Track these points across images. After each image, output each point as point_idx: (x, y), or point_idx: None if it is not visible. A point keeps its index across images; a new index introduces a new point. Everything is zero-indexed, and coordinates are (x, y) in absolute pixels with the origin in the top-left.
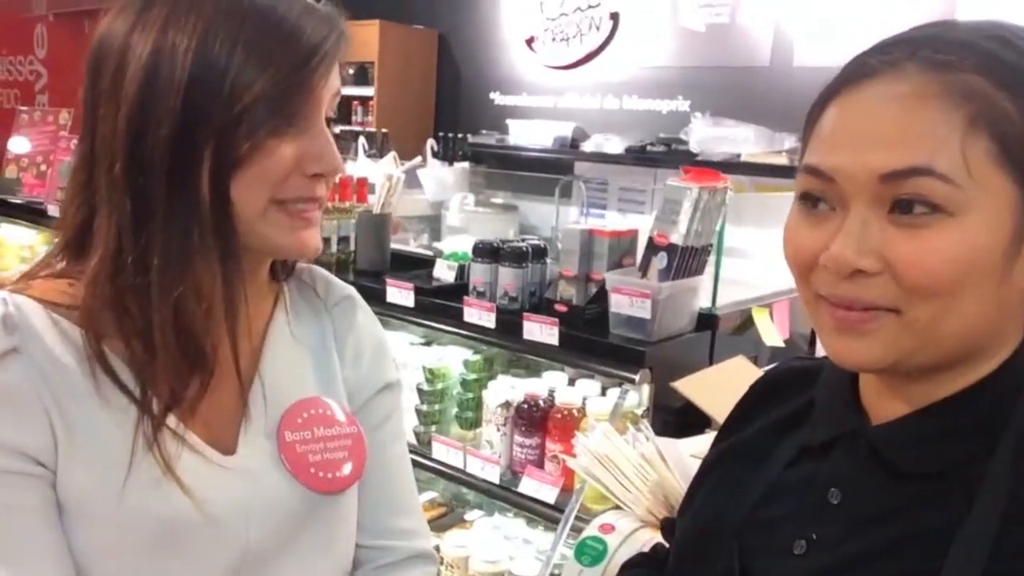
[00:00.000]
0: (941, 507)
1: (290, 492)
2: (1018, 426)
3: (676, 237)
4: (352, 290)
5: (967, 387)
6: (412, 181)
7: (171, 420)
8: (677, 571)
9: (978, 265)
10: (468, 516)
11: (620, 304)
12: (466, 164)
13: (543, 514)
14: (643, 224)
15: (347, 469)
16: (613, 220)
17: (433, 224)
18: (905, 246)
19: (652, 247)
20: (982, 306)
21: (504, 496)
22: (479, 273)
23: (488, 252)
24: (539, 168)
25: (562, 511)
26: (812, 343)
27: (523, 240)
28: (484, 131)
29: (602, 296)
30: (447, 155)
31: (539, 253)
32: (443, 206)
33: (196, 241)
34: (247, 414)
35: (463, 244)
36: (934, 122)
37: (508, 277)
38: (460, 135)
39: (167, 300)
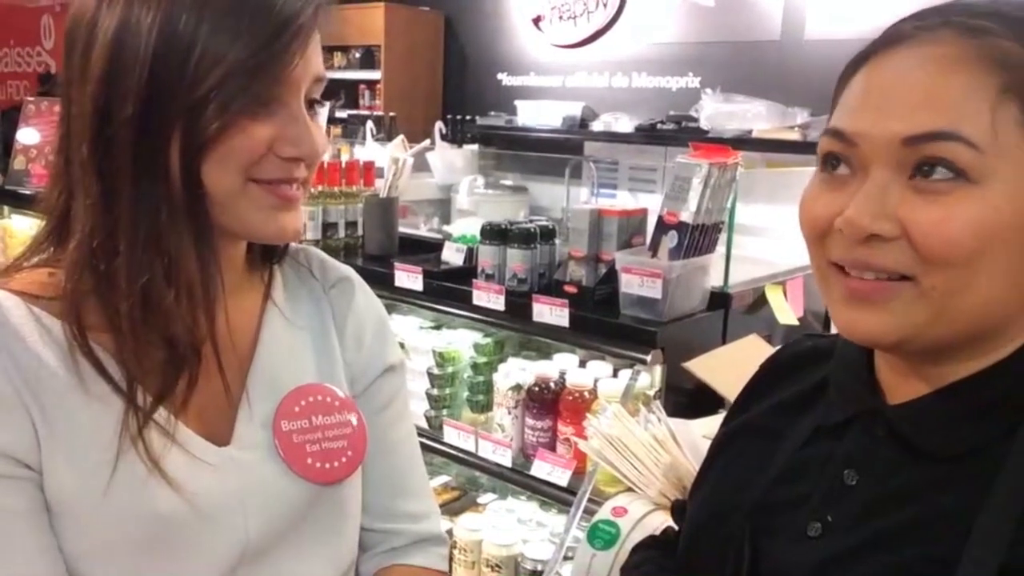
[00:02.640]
0: (961, 490)
1: (287, 483)
2: None
3: (686, 215)
4: (349, 270)
5: (988, 367)
6: (421, 164)
7: (160, 414)
8: (688, 552)
9: (998, 236)
10: (481, 499)
11: (630, 284)
12: (475, 146)
13: (556, 497)
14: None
15: (346, 459)
16: (624, 200)
17: (443, 207)
18: (924, 212)
19: (662, 226)
20: (1000, 282)
21: (516, 479)
22: (487, 255)
23: (496, 234)
24: (548, 149)
25: (575, 494)
26: (827, 322)
27: (531, 221)
28: (492, 113)
29: (612, 276)
30: (455, 138)
31: (547, 234)
32: (452, 189)
33: (166, 223)
34: (242, 403)
35: (472, 227)
36: (965, 87)
37: (517, 259)
38: (468, 117)
39: (134, 285)
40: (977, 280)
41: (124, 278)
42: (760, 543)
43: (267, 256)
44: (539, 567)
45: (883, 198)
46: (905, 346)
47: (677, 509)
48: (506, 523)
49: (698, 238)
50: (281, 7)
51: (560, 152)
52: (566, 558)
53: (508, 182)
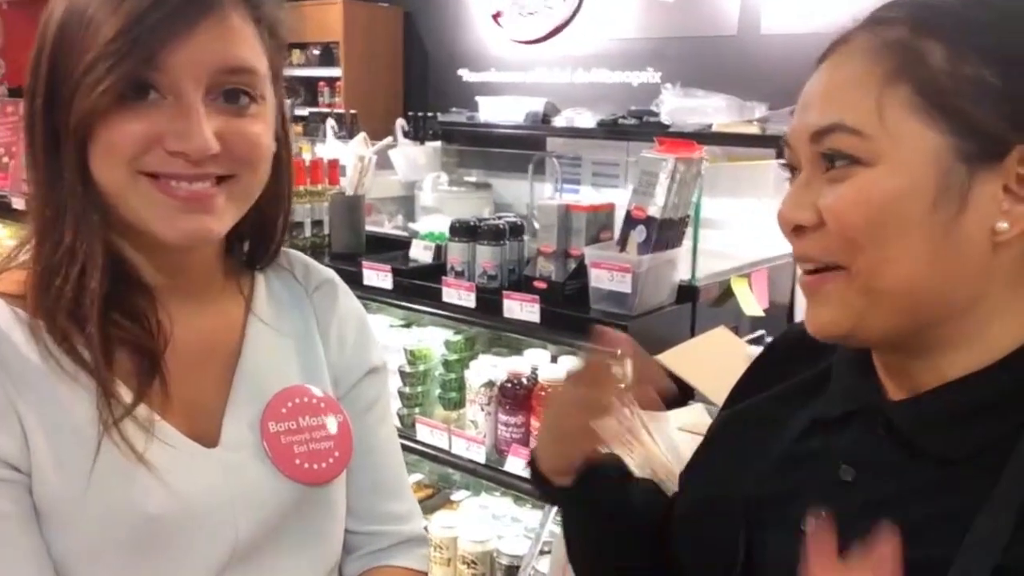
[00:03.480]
0: (961, 494)
1: (275, 484)
2: None
3: (654, 209)
4: (333, 273)
5: (987, 366)
6: (383, 162)
7: (141, 412)
8: (683, 537)
9: (892, 216)
10: (455, 497)
11: (600, 279)
12: (437, 143)
13: (530, 492)
14: (618, 198)
15: (333, 459)
16: (588, 195)
17: (407, 205)
18: (828, 196)
19: (630, 220)
20: (917, 263)
21: (490, 476)
22: (456, 252)
23: (465, 231)
24: (511, 145)
25: None
26: (791, 314)
27: (499, 217)
28: (454, 109)
29: (581, 271)
30: (418, 135)
31: (516, 230)
32: (416, 186)
33: (72, 219)
34: (229, 405)
35: (439, 224)
36: (852, 78)
37: (486, 255)
38: (430, 114)
39: (66, 283)
40: (892, 258)
41: (61, 275)
42: (755, 535)
43: (251, 261)
44: (515, 562)
45: (806, 191)
46: (860, 337)
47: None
48: (481, 519)
49: (666, 232)
50: None
51: (523, 148)
52: (542, 552)
53: (472, 179)
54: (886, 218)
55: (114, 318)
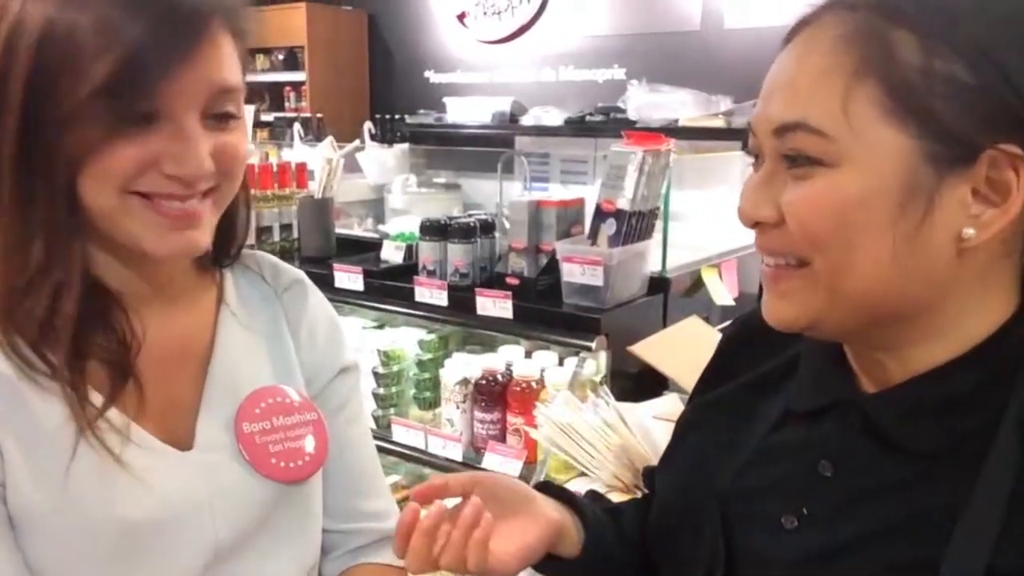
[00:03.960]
0: (940, 489)
1: (252, 484)
2: (1021, 400)
3: (623, 202)
4: (301, 274)
5: (957, 357)
6: (352, 165)
7: (117, 418)
8: (660, 532)
9: (856, 219)
10: None
11: (572, 273)
12: (405, 145)
13: None
14: (587, 194)
15: (309, 457)
16: (557, 192)
17: (376, 208)
18: (790, 196)
19: (600, 214)
20: (879, 266)
21: None
22: (428, 251)
23: (436, 230)
24: (479, 144)
25: (527, 482)
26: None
27: (470, 215)
28: (421, 111)
29: (553, 266)
30: (385, 137)
31: (487, 228)
32: (385, 189)
33: (52, 238)
34: (202, 407)
35: (409, 224)
36: (818, 71)
37: (457, 254)
38: (397, 116)
39: (38, 303)
40: (855, 261)
41: (33, 295)
42: (733, 531)
43: (216, 261)
44: None
45: (768, 186)
46: (822, 330)
47: (647, 474)
48: None
49: (635, 225)
50: (159, 9)
51: (491, 147)
52: None
53: (441, 180)
54: (849, 221)
55: (85, 331)
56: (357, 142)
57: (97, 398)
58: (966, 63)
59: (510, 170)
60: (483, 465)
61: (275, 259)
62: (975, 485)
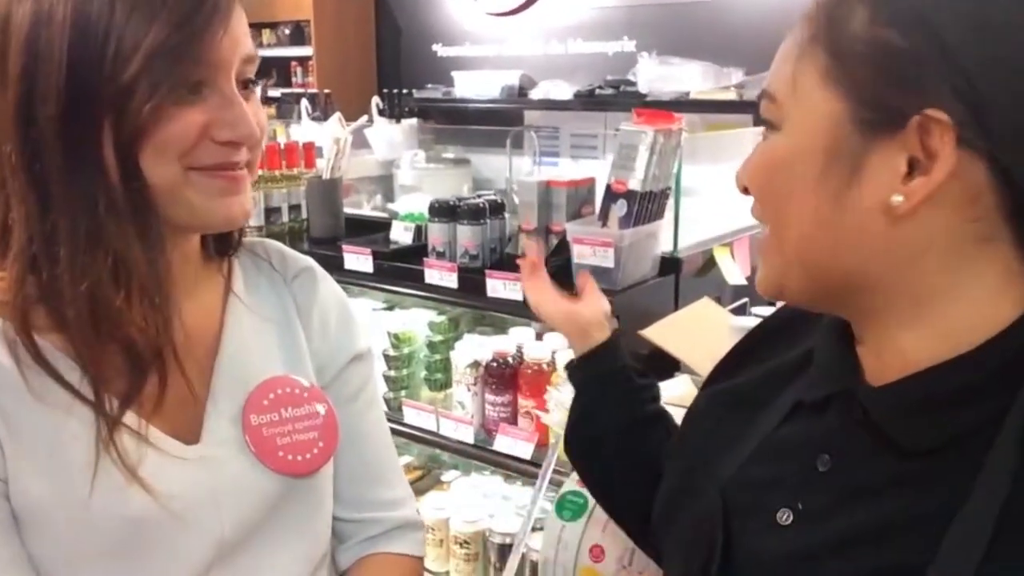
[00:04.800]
0: (934, 491)
1: (259, 478)
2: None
3: (634, 183)
4: (311, 261)
5: (962, 353)
6: (360, 141)
7: (131, 418)
8: (664, 519)
9: (779, 172)
10: (445, 477)
11: (583, 254)
12: (414, 120)
13: (520, 470)
14: (597, 169)
15: (318, 450)
16: (566, 167)
17: (385, 184)
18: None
19: (611, 194)
20: (803, 222)
21: (479, 455)
22: (437, 233)
23: (445, 211)
24: (488, 119)
25: (539, 466)
26: None
27: (479, 196)
28: (429, 85)
29: (563, 247)
30: (393, 112)
31: (496, 208)
32: (394, 165)
33: (107, 222)
34: (209, 400)
35: (418, 204)
36: (788, 43)
37: (467, 235)
38: (405, 91)
39: (78, 291)
40: (786, 220)
41: (68, 284)
42: (733, 525)
43: (222, 249)
44: (508, 540)
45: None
46: (787, 297)
47: None
48: (472, 499)
49: (647, 205)
50: None
51: (500, 122)
52: (534, 529)
53: (449, 155)
54: (777, 179)
55: (106, 330)
56: (365, 118)
57: (112, 402)
58: (904, 31)
59: (519, 145)
60: (495, 448)
61: (283, 247)
62: (969, 490)
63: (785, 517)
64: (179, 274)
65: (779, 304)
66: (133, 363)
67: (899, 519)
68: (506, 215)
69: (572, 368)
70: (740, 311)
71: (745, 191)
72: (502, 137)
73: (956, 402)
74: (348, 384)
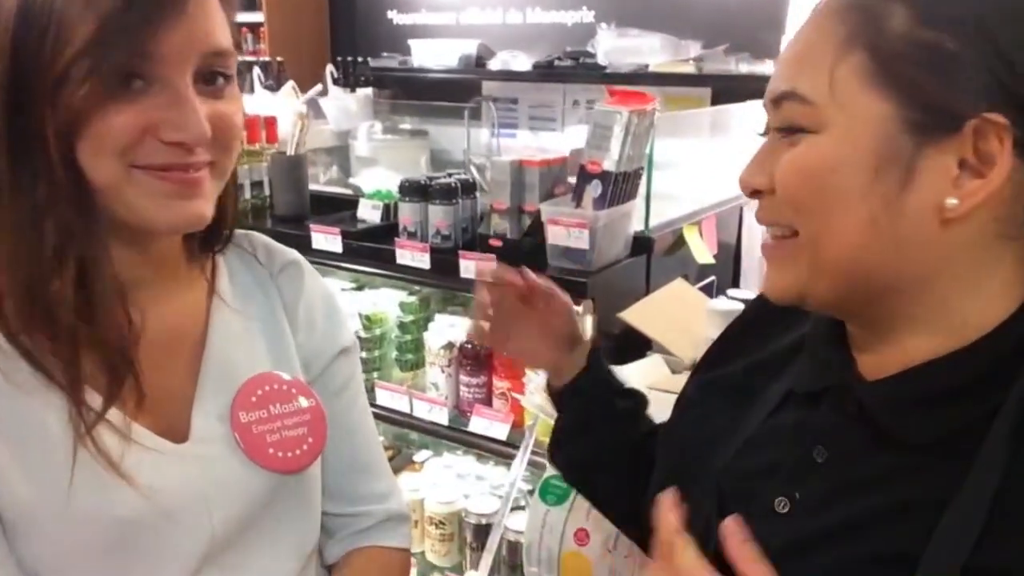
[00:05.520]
0: (929, 483)
1: (249, 476)
2: (1018, 398)
3: (609, 164)
4: (296, 254)
5: (959, 348)
6: (313, 111)
7: (114, 414)
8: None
9: (830, 180)
10: (417, 457)
11: (557, 235)
12: (369, 90)
13: (494, 451)
14: (556, 141)
15: (307, 446)
16: (525, 139)
17: (340, 155)
18: (780, 162)
19: (585, 175)
20: (855, 233)
21: (454, 436)
22: (408, 212)
23: (416, 190)
24: (445, 89)
25: (514, 447)
26: (737, 256)
27: (450, 175)
28: (385, 54)
29: (537, 228)
30: (348, 81)
31: (468, 188)
32: (350, 136)
33: (47, 215)
34: (197, 397)
35: (382, 180)
36: (812, 40)
37: (439, 215)
38: (360, 59)
39: (16, 281)
40: (833, 227)
41: (8, 274)
42: (728, 511)
43: (207, 245)
44: (483, 520)
45: (767, 156)
46: (810, 303)
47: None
48: (446, 480)
49: (621, 185)
50: None
51: (457, 92)
52: (513, 509)
53: (407, 126)
54: (825, 185)
55: (83, 320)
56: (319, 87)
57: (94, 396)
58: (954, 33)
59: (477, 116)
60: (469, 429)
61: (269, 240)
62: (961, 482)
63: (782, 505)
64: (155, 271)
65: (737, 292)
66: (105, 360)
67: (894, 510)
68: (477, 194)
69: (556, 394)
70: (707, 290)
71: (754, 194)
72: (460, 108)
73: (951, 397)
74: (335, 378)
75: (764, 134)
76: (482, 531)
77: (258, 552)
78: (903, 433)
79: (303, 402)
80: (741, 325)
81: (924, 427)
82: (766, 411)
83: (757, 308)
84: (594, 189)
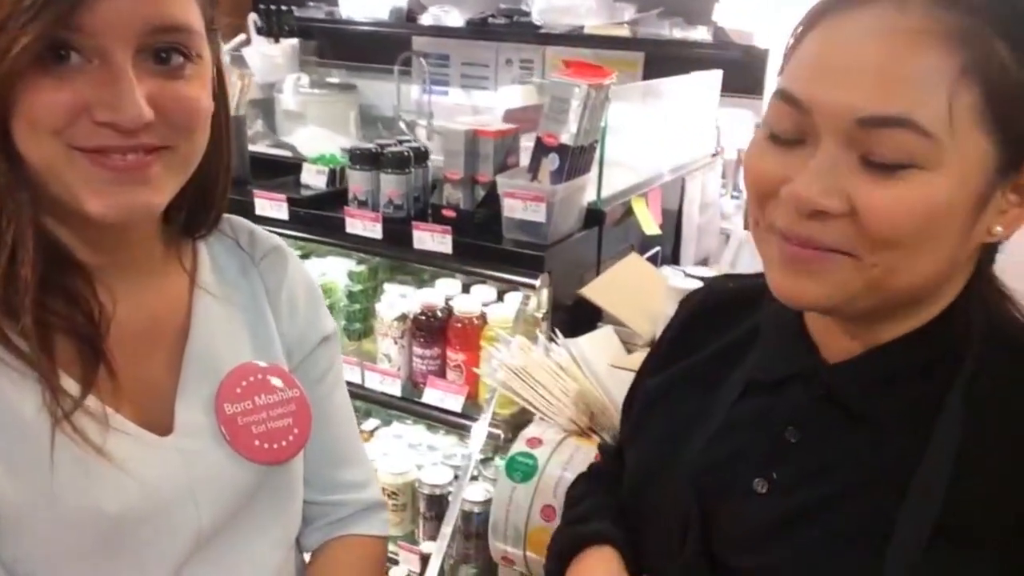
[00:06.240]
0: (898, 453)
1: (236, 468)
2: (969, 370)
3: (566, 137)
4: (279, 240)
5: (917, 328)
6: (236, 62)
7: (93, 405)
8: (636, 505)
9: (939, 222)
10: (366, 426)
11: (513, 208)
12: (294, 41)
13: (449, 422)
14: (489, 100)
15: (292, 437)
16: (457, 97)
17: (265, 108)
18: (874, 193)
19: (542, 147)
20: (937, 262)
21: (408, 408)
22: (359, 181)
23: (367, 158)
24: (374, 43)
25: (469, 418)
26: (678, 228)
27: (400, 143)
28: (311, 3)
29: (491, 199)
30: (272, 31)
31: (420, 157)
32: (276, 88)
33: None
34: (180, 389)
35: (319, 142)
36: (926, 67)
37: (391, 184)
38: (284, 8)
39: None
40: (915, 259)
41: None
42: (707, 498)
43: (189, 231)
44: (436, 491)
45: (833, 173)
46: (837, 311)
47: (606, 450)
48: (397, 450)
49: (577, 159)
50: None
51: (386, 47)
52: (473, 478)
53: (334, 80)
54: (935, 226)
55: (49, 304)
56: (242, 36)
57: (70, 383)
58: None
59: (408, 72)
60: (424, 400)
61: (251, 225)
62: (924, 452)
63: (761, 486)
64: (126, 256)
65: (698, 267)
66: (76, 350)
67: (868, 479)
68: (429, 163)
69: None
70: (653, 261)
71: (814, 215)
72: (390, 61)
73: (911, 374)
74: (316, 366)
75: (774, 134)
76: (435, 501)
77: (244, 543)
78: (870, 410)
79: (287, 393)
80: (693, 321)
81: (888, 403)
82: (729, 400)
83: (703, 306)
84: (551, 162)
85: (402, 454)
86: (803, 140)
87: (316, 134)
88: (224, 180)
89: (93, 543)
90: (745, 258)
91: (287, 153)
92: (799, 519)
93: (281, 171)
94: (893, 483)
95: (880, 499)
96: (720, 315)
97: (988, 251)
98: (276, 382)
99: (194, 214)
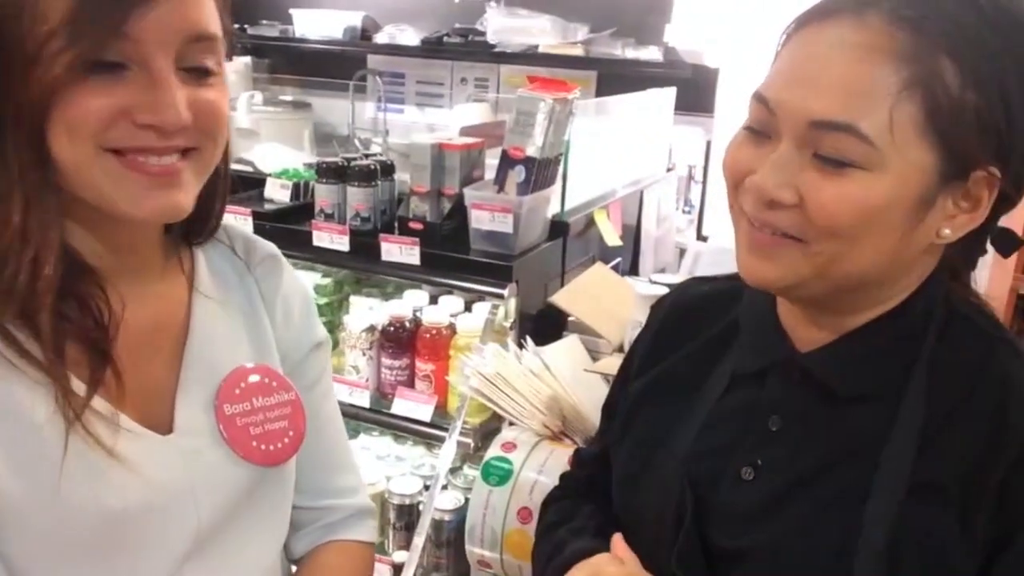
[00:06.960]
0: (870, 425)
1: (234, 468)
2: (930, 350)
3: (532, 150)
4: (274, 247)
5: (879, 316)
6: None
7: (101, 403)
8: (625, 502)
9: (878, 218)
10: None
11: (481, 219)
12: (248, 59)
13: (419, 432)
14: (444, 118)
15: (288, 439)
16: (412, 115)
17: None
18: (820, 188)
19: (508, 160)
20: (878, 256)
21: (376, 419)
22: (325, 194)
23: (333, 172)
24: (329, 61)
25: (439, 428)
26: (637, 238)
27: (367, 156)
28: (264, 21)
29: (458, 211)
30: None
31: (387, 170)
32: (230, 106)
33: (16, 198)
34: (180, 389)
35: (281, 158)
36: (873, 79)
37: (358, 197)
38: (237, 26)
39: (17, 266)
40: (856, 251)
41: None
42: (699, 489)
43: (188, 237)
44: (406, 501)
45: (788, 168)
46: (793, 293)
47: (584, 457)
48: (365, 461)
49: (543, 171)
50: None
51: (341, 65)
52: (443, 488)
53: (288, 98)
54: (872, 221)
55: (61, 307)
56: None
57: (78, 384)
58: (987, 96)
59: (363, 90)
60: (393, 411)
61: (247, 232)
62: (894, 423)
63: (748, 473)
64: (134, 260)
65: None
66: (84, 352)
67: (842, 455)
68: (395, 176)
69: None
70: (616, 270)
71: (772, 204)
72: (344, 80)
73: (879, 354)
74: (309, 372)
75: (758, 132)
76: (405, 511)
77: (240, 544)
78: (844, 390)
79: (284, 396)
80: (669, 324)
81: (860, 381)
82: (715, 395)
83: (678, 307)
84: (518, 174)
85: (370, 465)
86: (770, 136)
87: (274, 150)
88: (223, 188)
89: (91, 539)
90: (701, 269)
91: (243, 167)
92: (785, 497)
93: (243, 186)
94: (867, 452)
95: (857, 467)
96: (696, 316)
97: (965, 258)
98: (273, 385)
99: (193, 221)
